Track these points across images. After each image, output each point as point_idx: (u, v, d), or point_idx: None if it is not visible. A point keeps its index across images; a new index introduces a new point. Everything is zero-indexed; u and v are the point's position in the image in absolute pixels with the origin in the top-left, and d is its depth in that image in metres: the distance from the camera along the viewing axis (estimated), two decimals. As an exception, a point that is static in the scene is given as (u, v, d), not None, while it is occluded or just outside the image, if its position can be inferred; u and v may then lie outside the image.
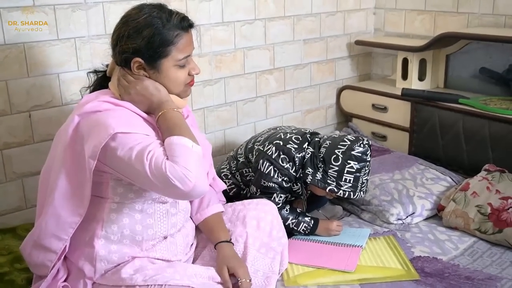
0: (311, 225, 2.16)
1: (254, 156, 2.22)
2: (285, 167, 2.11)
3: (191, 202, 1.82)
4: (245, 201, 1.94)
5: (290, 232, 2.14)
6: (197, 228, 1.84)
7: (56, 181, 1.53)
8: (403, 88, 2.92)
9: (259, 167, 2.14)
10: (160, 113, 1.54)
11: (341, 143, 2.11)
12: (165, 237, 1.66)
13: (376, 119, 3.11)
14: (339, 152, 2.09)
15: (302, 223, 2.16)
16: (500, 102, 2.66)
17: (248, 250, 1.78)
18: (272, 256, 1.85)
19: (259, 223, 1.83)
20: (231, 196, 2.28)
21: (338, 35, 3.21)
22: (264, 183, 2.12)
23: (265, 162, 2.13)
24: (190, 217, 1.82)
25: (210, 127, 2.75)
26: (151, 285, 1.49)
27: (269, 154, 2.13)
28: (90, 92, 1.71)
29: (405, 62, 3.06)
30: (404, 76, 3.08)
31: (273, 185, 2.12)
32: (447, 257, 2.06)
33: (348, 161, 2.07)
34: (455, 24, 2.94)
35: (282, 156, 2.12)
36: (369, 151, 2.11)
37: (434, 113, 2.78)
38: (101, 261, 1.58)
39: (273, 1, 2.82)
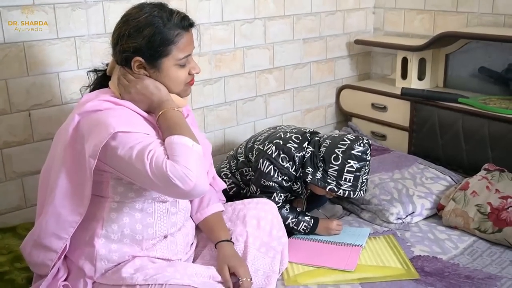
0: (311, 225, 2.17)
1: (254, 156, 2.22)
2: (285, 166, 2.11)
3: (191, 201, 1.82)
4: (245, 200, 1.94)
5: (290, 232, 2.14)
6: (197, 227, 1.84)
7: (56, 180, 1.53)
8: (402, 88, 2.92)
9: (259, 166, 2.14)
10: (160, 112, 1.54)
11: (341, 142, 2.11)
12: (165, 236, 1.66)
13: (376, 119, 3.11)
14: (339, 151, 2.09)
15: (302, 222, 2.16)
16: (500, 102, 2.66)
17: (248, 249, 1.78)
18: (272, 256, 1.85)
19: (259, 222, 1.83)
20: (231, 196, 2.28)
21: (337, 35, 3.21)
22: (264, 182, 2.12)
23: (265, 161, 2.13)
24: (190, 216, 1.82)
25: (210, 126, 2.75)
26: (152, 284, 1.49)
27: (269, 153, 2.13)
28: (90, 91, 1.70)
29: (404, 62, 3.06)
30: (404, 75, 3.08)
31: (273, 184, 2.12)
32: (447, 256, 2.06)
33: (348, 161, 2.07)
34: (455, 24, 2.94)
35: (282, 155, 2.12)
36: (369, 150, 2.11)
37: (434, 113, 2.78)
38: (102, 260, 1.58)
39: (273, 1, 2.82)
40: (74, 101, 2.22)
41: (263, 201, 1.93)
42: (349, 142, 2.10)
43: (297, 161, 2.12)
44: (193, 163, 1.42)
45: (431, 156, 2.80)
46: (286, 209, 2.14)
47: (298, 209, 2.19)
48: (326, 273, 1.95)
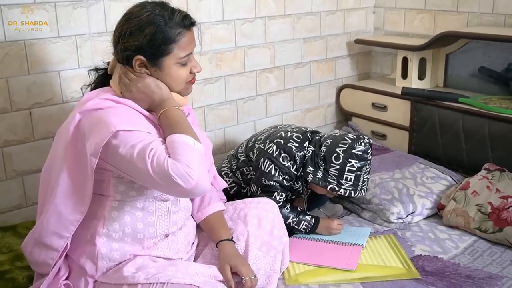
0: (312, 224, 2.17)
1: (255, 155, 2.21)
2: (286, 165, 2.11)
3: (192, 200, 1.81)
4: (246, 199, 1.94)
5: (291, 231, 2.14)
6: (198, 226, 1.84)
7: (57, 179, 1.53)
8: (403, 87, 2.92)
9: (260, 166, 2.14)
10: (161, 111, 1.54)
11: (342, 141, 2.11)
12: (167, 235, 1.66)
13: (376, 118, 3.11)
14: (340, 150, 2.09)
15: (303, 221, 2.16)
16: (500, 101, 2.66)
17: (249, 248, 1.78)
18: (273, 255, 1.85)
19: (260, 222, 1.83)
20: (231, 195, 2.28)
21: (338, 34, 3.21)
22: (265, 181, 2.12)
23: (266, 161, 2.13)
24: (191, 215, 1.81)
25: (211, 126, 2.75)
26: (153, 283, 1.48)
27: (270, 152, 2.13)
28: (91, 89, 1.70)
29: (405, 61, 3.06)
30: (404, 75, 3.08)
31: (274, 184, 2.12)
32: (448, 256, 2.06)
33: (349, 160, 2.07)
34: (455, 23, 2.95)
35: (283, 154, 2.12)
36: (370, 149, 2.11)
37: (434, 112, 2.78)
38: (103, 259, 1.58)
39: (273, 0, 2.82)
40: (75, 100, 2.22)
41: (264, 201, 1.93)
42: (350, 141, 2.10)
43: (298, 160, 2.12)
44: (195, 161, 1.42)
45: (431, 156, 2.80)
46: (287, 209, 2.14)
47: (299, 209, 2.19)
48: (327, 273, 1.95)
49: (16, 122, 2.13)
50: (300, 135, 2.17)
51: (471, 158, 2.65)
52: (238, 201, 1.94)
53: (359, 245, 2.10)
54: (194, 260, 1.78)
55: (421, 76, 3.06)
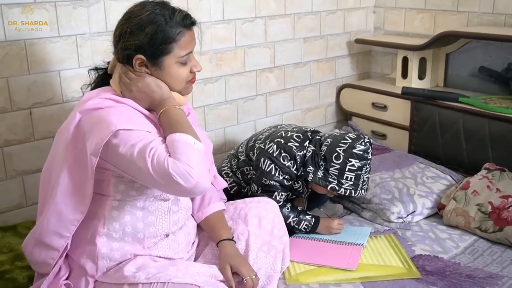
0: (312, 224, 2.17)
1: (255, 154, 2.21)
2: (286, 165, 2.11)
3: (192, 200, 1.81)
4: (246, 199, 1.94)
5: (291, 231, 2.14)
6: (198, 226, 1.84)
7: (57, 179, 1.53)
8: (403, 87, 2.92)
9: (260, 165, 2.14)
10: (161, 110, 1.54)
11: (342, 141, 2.11)
12: (167, 235, 1.66)
13: (376, 118, 3.11)
14: (340, 150, 2.09)
15: (303, 221, 2.16)
16: (500, 101, 2.67)
17: (249, 248, 1.77)
18: (273, 255, 1.85)
19: (260, 221, 1.83)
20: (232, 194, 2.28)
21: (338, 34, 3.21)
22: (265, 181, 2.12)
23: (266, 160, 2.13)
24: (191, 215, 1.81)
25: (211, 125, 2.75)
26: (154, 283, 1.48)
27: (270, 152, 2.13)
28: (92, 89, 1.70)
29: (405, 61, 3.06)
30: (404, 74, 3.08)
31: (274, 183, 2.12)
32: (448, 255, 2.06)
33: (350, 159, 2.07)
34: (455, 23, 2.95)
35: (283, 154, 2.12)
36: (370, 149, 2.11)
37: (434, 112, 2.78)
38: (103, 259, 1.58)
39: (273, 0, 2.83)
40: (75, 100, 2.22)
41: (265, 200, 1.93)
42: (350, 141, 2.10)
43: (298, 160, 2.12)
44: (195, 160, 1.41)
45: (431, 156, 2.80)
46: (287, 208, 2.14)
47: (299, 208, 2.19)
48: (327, 272, 1.95)
49: (16, 122, 2.13)
50: (301, 135, 2.17)
51: (471, 157, 2.65)
52: (238, 200, 1.94)
53: (359, 245, 2.10)
54: (195, 260, 1.77)
55: (421, 76, 3.06)
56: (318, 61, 3.16)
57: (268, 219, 1.84)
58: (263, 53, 2.87)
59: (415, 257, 2.05)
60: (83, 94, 1.65)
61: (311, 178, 2.11)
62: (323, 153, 2.11)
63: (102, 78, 1.71)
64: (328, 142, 2.13)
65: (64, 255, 1.60)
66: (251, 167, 2.25)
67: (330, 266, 1.98)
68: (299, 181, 2.20)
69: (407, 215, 2.32)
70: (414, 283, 1.88)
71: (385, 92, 3.05)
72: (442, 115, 2.75)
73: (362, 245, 2.10)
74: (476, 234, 2.20)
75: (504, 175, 2.30)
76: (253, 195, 2.15)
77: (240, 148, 2.36)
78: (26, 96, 2.13)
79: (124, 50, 1.56)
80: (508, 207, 2.15)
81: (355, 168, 2.07)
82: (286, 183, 2.13)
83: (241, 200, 1.94)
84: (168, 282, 1.48)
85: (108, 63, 1.69)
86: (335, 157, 2.08)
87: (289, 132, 2.18)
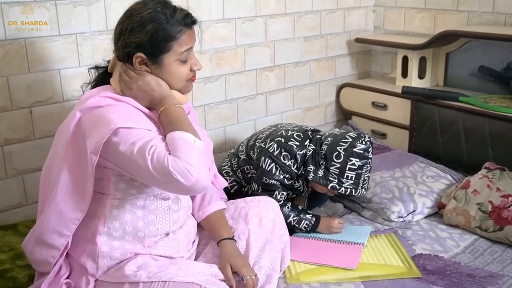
0: (313, 223, 2.17)
1: (256, 154, 2.21)
2: (287, 164, 2.11)
3: (192, 199, 1.81)
4: (247, 198, 1.94)
5: (292, 230, 2.14)
6: (199, 225, 1.84)
7: (58, 177, 1.53)
8: (403, 86, 2.92)
9: (260, 164, 2.14)
10: (161, 109, 1.54)
11: (342, 140, 2.11)
12: (167, 234, 1.66)
13: (376, 117, 3.11)
14: (341, 149, 2.09)
15: (304, 220, 2.16)
16: (500, 100, 2.67)
17: (250, 247, 1.77)
18: (273, 254, 1.84)
19: (261, 221, 1.82)
20: (232, 194, 2.28)
21: (338, 33, 3.21)
22: (266, 180, 2.12)
23: (267, 159, 2.13)
24: (192, 214, 1.81)
25: (211, 124, 2.75)
26: (155, 281, 1.48)
27: (271, 151, 2.13)
28: (92, 88, 1.70)
29: (405, 60, 3.06)
30: (404, 74, 3.08)
31: (275, 183, 2.12)
32: (448, 254, 2.06)
33: (350, 158, 2.07)
34: (455, 22, 2.95)
35: (283, 153, 2.12)
36: (370, 148, 2.11)
37: (434, 111, 2.78)
38: (104, 258, 1.57)
39: (274, -2, 2.83)
40: (75, 98, 2.22)
41: (265, 199, 1.93)
42: (351, 140, 2.10)
43: (298, 159, 2.12)
44: (195, 158, 1.41)
45: (431, 155, 2.80)
46: (288, 207, 2.14)
47: (300, 207, 2.19)
48: (328, 271, 1.95)
49: (16, 121, 2.13)
50: (301, 134, 2.17)
51: (472, 157, 2.65)
52: (239, 199, 1.94)
53: (360, 244, 2.10)
54: (195, 259, 1.77)
55: (421, 75, 3.06)
56: (318, 60, 3.16)
57: (268, 218, 1.84)
58: (263, 52, 2.86)
59: (415, 256, 2.05)
60: (83, 93, 1.65)
61: (311, 177, 2.11)
62: (323, 152, 2.11)
63: (102, 77, 1.71)
64: (328, 141, 2.13)
65: (65, 254, 1.59)
66: (251, 166, 2.25)
67: (330, 265, 1.98)
68: (300, 180, 2.19)
69: (408, 214, 2.32)
70: (415, 282, 1.88)
71: (385, 91, 3.05)
72: (442, 114, 2.75)
73: (362, 244, 2.10)
74: (476, 234, 2.20)
75: (504, 175, 2.30)
76: (253, 194, 2.15)
77: (240, 147, 2.36)
78: (26, 95, 2.13)
79: (124, 48, 1.56)
80: (509, 207, 2.15)
81: (356, 167, 2.07)
82: (287, 182, 2.13)
83: (242, 199, 1.94)
84: (169, 281, 1.48)
85: (108, 61, 1.69)
86: (335, 156, 2.08)
87: (290, 131, 2.18)
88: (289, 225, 2.07)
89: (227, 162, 2.37)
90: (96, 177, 1.51)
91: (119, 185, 1.57)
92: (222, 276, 1.64)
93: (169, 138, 1.45)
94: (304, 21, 3.01)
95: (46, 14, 2.10)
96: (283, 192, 2.13)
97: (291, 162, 2.11)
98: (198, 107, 2.67)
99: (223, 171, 2.33)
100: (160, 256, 1.64)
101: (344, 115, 3.37)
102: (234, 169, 2.32)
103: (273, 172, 2.11)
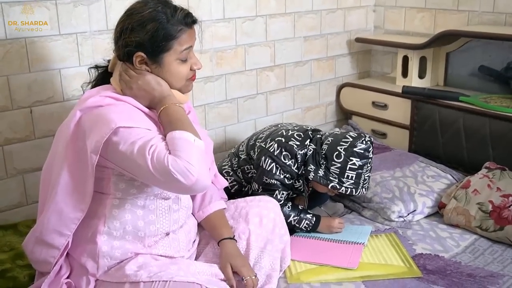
0: (313, 222, 2.16)
1: (256, 153, 2.21)
2: (287, 164, 2.11)
3: (193, 199, 1.81)
4: (247, 198, 1.94)
5: (292, 229, 2.14)
6: (199, 225, 1.84)
7: (58, 177, 1.52)
8: (404, 86, 2.92)
9: (261, 164, 2.14)
10: (162, 108, 1.54)
11: (343, 140, 2.11)
12: (167, 234, 1.66)
13: (376, 117, 3.11)
14: (341, 149, 2.09)
15: (304, 220, 2.16)
16: (501, 100, 2.67)
17: (250, 247, 1.77)
18: (274, 254, 1.84)
19: (261, 220, 1.82)
20: (232, 193, 2.28)
21: (338, 33, 3.21)
22: (266, 180, 2.12)
23: (267, 159, 2.13)
24: (192, 214, 1.81)
25: (211, 124, 2.75)
26: (156, 281, 1.48)
27: (271, 151, 2.13)
28: (92, 87, 1.70)
29: (405, 60, 3.06)
30: (404, 73, 3.08)
31: (275, 182, 2.11)
32: (449, 254, 2.06)
33: (351, 158, 2.07)
34: (455, 22, 2.95)
35: (284, 153, 2.11)
36: (371, 148, 2.11)
37: (435, 111, 2.78)
38: (104, 257, 1.57)
39: (274, -2, 2.83)
40: (75, 98, 2.21)
41: (266, 199, 1.93)
42: (351, 139, 2.10)
43: (299, 159, 2.12)
44: (195, 158, 1.41)
45: (432, 155, 2.80)
46: (288, 207, 2.14)
47: (300, 207, 2.19)
48: (328, 271, 1.95)
49: (16, 120, 2.12)
50: (301, 134, 2.17)
51: (472, 156, 2.65)
52: (239, 199, 1.94)
53: (360, 244, 2.10)
54: (196, 259, 1.77)
55: (421, 75, 3.06)
56: (318, 60, 3.16)
57: (269, 218, 1.84)
58: (263, 51, 2.86)
59: (416, 256, 2.05)
60: (84, 92, 1.65)
61: (312, 176, 2.10)
62: (324, 151, 2.11)
63: (103, 76, 1.71)
64: (329, 140, 2.13)
65: (65, 253, 1.59)
66: (251, 166, 2.25)
67: (331, 265, 1.98)
68: (300, 180, 2.19)
69: (408, 214, 2.32)
70: (415, 282, 1.88)
71: (385, 91, 3.04)
72: (443, 114, 2.75)
73: (363, 244, 2.10)
74: (476, 233, 2.20)
75: (504, 174, 2.30)
76: (254, 194, 2.15)
77: (240, 147, 2.36)
78: (27, 95, 2.12)
79: (124, 47, 1.56)
80: (509, 206, 2.15)
81: (356, 167, 2.07)
82: (287, 182, 2.13)
83: (242, 199, 1.94)
84: (170, 281, 1.47)
85: (109, 61, 1.69)
86: (336, 155, 2.08)
87: (290, 131, 2.18)
88: (289, 224, 2.07)
89: (228, 162, 2.37)
90: (96, 177, 1.50)
91: (119, 184, 1.57)
92: (222, 276, 1.64)
93: (169, 138, 1.45)
94: (304, 21, 3.01)
95: (46, 13, 2.10)
96: (283, 192, 2.13)
97: (292, 162, 2.11)
98: (199, 106, 2.66)
99: (224, 171, 2.33)
100: (161, 255, 1.63)
101: (344, 115, 3.36)
102: (235, 168, 2.32)
103: (274, 171, 2.11)
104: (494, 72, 2.84)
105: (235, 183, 2.32)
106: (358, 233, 2.18)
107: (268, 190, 2.12)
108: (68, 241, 1.56)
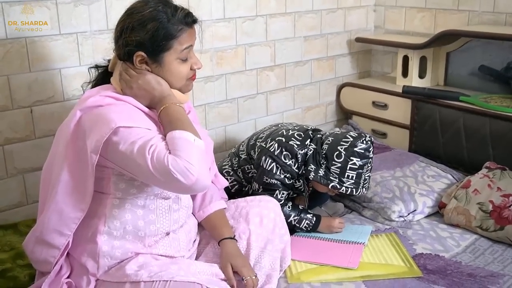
0: (313, 222, 2.16)
1: (256, 153, 2.21)
2: (288, 163, 2.11)
3: (193, 199, 1.81)
4: (247, 197, 1.94)
5: (292, 229, 2.14)
6: (199, 224, 1.84)
7: (58, 177, 1.52)
8: (404, 86, 2.92)
9: (261, 164, 2.14)
10: (162, 108, 1.54)
11: (343, 139, 2.11)
12: (168, 233, 1.66)
13: (376, 117, 3.11)
14: (341, 148, 2.09)
15: (304, 220, 2.16)
16: (501, 100, 2.67)
17: (251, 247, 1.77)
18: (274, 254, 1.84)
19: (262, 220, 1.82)
20: (233, 193, 2.28)
21: (338, 32, 3.21)
22: (266, 179, 2.12)
23: (268, 159, 2.13)
24: (192, 213, 1.81)
25: (211, 124, 2.75)
26: (157, 281, 1.48)
27: (272, 150, 2.13)
28: (92, 87, 1.70)
29: (405, 60, 3.06)
30: (405, 73, 3.08)
31: (275, 182, 2.11)
32: (449, 254, 2.06)
33: (351, 158, 2.07)
34: (456, 22, 2.95)
35: (284, 152, 2.11)
36: (371, 147, 2.11)
37: (435, 111, 2.78)
38: (104, 257, 1.57)
39: (274, -2, 2.83)
40: (76, 98, 2.21)
41: (266, 199, 1.93)
42: (351, 139, 2.10)
43: (299, 159, 2.12)
44: (195, 157, 1.41)
45: (432, 154, 2.80)
46: (288, 207, 2.14)
47: (300, 207, 2.19)
48: (329, 271, 1.95)
49: (17, 120, 2.12)
50: (302, 133, 2.17)
51: (472, 156, 2.65)
52: (239, 199, 1.94)
53: (360, 243, 2.10)
54: (196, 258, 1.77)
55: (421, 75, 3.06)
56: (319, 59, 3.16)
57: (269, 218, 1.84)
58: (263, 51, 2.86)
59: (416, 255, 2.05)
60: (84, 92, 1.65)
61: (312, 176, 2.10)
62: (324, 151, 2.11)
63: (103, 76, 1.71)
64: (329, 140, 2.13)
65: (65, 253, 1.59)
66: (252, 166, 2.25)
67: (331, 265, 1.98)
68: (300, 180, 2.19)
69: (408, 214, 2.32)
70: (416, 281, 1.88)
71: (385, 90, 3.04)
72: (443, 114, 2.75)
73: (363, 243, 2.10)
74: (477, 233, 2.20)
75: (505, 174, 2.30)
76: (254, 193, 2.15)
77: (241, 147, 2.36)
78: (27, 94, 2.12)
79: (125, 47, 1.56)
80: (509, 206, 2.15)
81: (357, 167, 2.07)
82: (287, 182, 2.13)
83: (242, 198, 1.94)
84: (170, 281, 1.47)
85: (109, 61, 1.69)
86: (336, 155, 2.08)
87: (290, 131, 2.18)
88: (289, 224, 2.07)
89: (228, 162, 2.37)
90: (96, 177, 1.51)
91: (120, 184, 1.57)
92: (223, 276, 1.64)
93: (169, 137, 1.45)
94: (305, 21, 3.01)
95: (46, 13, 2.10)
96: (283, 192, 2.13)
97: (292, 162, 2.11)
98: (199, 106, 2.66)
99: (224, 171, 2.33)
100: (161, 255, 1.64)
101: (345, 115, 3.36)
102: (235, 168, 2.32)
103: (274, 171, 2.11)
104: (494, 72, 2.84)
105: (235, 183, 2.32)
106: (359, 233, 2.18)
107: (269, 190, 2.12)
108: (69, 241, 1.56)
